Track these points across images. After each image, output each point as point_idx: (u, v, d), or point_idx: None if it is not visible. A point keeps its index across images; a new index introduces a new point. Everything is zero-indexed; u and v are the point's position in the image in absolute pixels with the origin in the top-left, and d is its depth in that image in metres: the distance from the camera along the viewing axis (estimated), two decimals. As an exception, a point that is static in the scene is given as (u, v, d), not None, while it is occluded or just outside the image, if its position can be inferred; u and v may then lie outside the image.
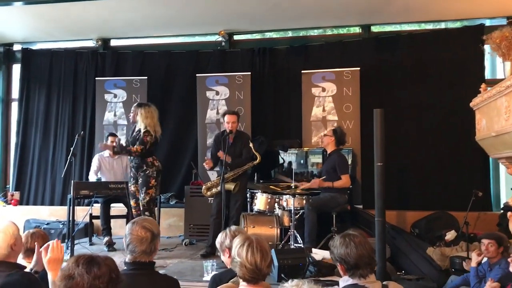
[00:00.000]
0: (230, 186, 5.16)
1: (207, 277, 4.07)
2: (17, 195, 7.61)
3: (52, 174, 7.80)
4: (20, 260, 2.81)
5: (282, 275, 4.01)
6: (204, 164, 5.51)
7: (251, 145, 5.37)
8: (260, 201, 5.34)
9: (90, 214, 6.29)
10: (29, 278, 2.42)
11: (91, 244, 6.15)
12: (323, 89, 6.97)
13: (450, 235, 5.56)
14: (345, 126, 6.82)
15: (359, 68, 6.86)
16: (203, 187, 5.44)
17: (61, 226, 6.87)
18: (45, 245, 2.51)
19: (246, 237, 2.31)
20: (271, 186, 5.72)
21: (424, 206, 6.53)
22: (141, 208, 5.19)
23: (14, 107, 8.26)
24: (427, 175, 6.79)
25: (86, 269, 1.67)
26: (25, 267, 2.56)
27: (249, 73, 7.16)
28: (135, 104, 5.52)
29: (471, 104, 4.82)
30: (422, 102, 6.88)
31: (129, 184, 5.37)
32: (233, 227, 3.05)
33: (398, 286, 2.31)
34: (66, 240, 5.57)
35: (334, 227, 5.31)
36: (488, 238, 4.04)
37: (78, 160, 7.70)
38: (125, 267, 2.43)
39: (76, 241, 6.30)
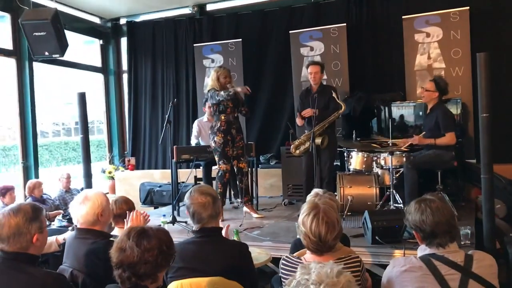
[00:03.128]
0: (318, 140, 4.99)
1: (300, 239, 4.02)
2: (133, 160, 8.22)
3: (163, 140, 8.24)
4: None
5: (377, 237, 3.82)
6: (296, 121, 5.36)
7: (334, 95, 5.08)
8: (356, 160, 5.10)
9: (195, 177, 6.59)
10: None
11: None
12: (428, 35, 6.36)
13: None
14: (454, 74, 6.21)
15: (468, 8, 6.11)
16: (292, 146, 5.33)
17: (173, 188, 7.27)
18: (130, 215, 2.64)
19: (313, 205, 2.18)
20: (371, 144, 5.41)
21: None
22: (246, 170, 5.30)
23: (125, 78, 8.80)
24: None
25: (136, 242, 1.70)
26: (110, 236, 2.70)
27: (344, 24, 6.76)
28: (226, 68, 5.45)
29: None
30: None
31: (227, 148, 5.20)
32: (319, 191, 2.94)
33: (485, 255, 2.03)
34: (173, 202, 5.87)
35: (439, 185, 4.91)
36: None
37: (184, 125, 8.09)
38: (193, 235, 2.46)
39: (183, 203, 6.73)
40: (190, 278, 2.32)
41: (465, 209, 5.25)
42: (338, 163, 6.16)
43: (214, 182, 6.23)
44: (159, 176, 7.84)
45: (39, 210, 2.07)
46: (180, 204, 6.01)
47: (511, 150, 6.13)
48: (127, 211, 2.90)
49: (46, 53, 6.50)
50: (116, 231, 3.14)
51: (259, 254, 3.31)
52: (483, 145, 3.83)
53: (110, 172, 8.30)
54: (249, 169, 5.81)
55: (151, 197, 7.36)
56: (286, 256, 2.24)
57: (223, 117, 5.14)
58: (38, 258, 2.06)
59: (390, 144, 4.79)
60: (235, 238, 3.21)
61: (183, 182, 7.33)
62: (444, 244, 1.99)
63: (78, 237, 2.61)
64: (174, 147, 5.74)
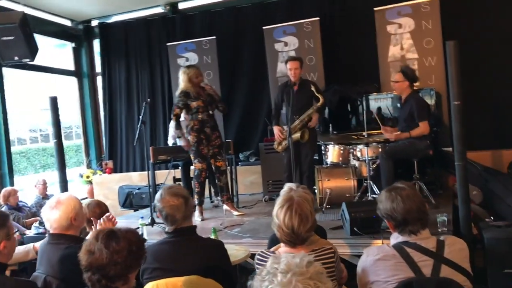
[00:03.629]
0: (297, 135, 4.99)
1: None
2: (110, 163, 8.12)
3: (139, 141, 8.16)
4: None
5: (355, 228, 3.83)
6: (276, 136, 5.30)
7: (313, 88, 5.07)
8: (332, 153, 5.12)
9: (174, 177, 6.55)
10: None
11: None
12: (400, 26, 6.40)
13: (554, 173, 4.95)
14: (427, 64, 6.28)
15: (438, -3, 6.18)
16: (275, 142, 5.32)
17: (151, 190, 7.20)
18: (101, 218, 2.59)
19: (287, 198, 2.17)
20: (347, 137, 5.42)
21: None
22: (224, 168, 5.25)
23: (100, 81, 8.68)
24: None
25: (105, 244, 1.66)
26: (83, 240, 2.65)
27: (317, 18, 6.77)
28: (195, 66, 5.42)
29: None
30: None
31: (202, 146, 5.18)
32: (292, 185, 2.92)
33: (456, 240, 2.04)
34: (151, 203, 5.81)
35: (416, 175, 4.95)
36: None
37: (161, 125, 8.02)
38: (166, 236, 2.43)
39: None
40: (166, 278, 2.29)
41: (442, 197, 5.32)
42: (317, 157, 6.17)
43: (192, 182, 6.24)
44: (138, 179, 7.77)
45: (6, 217, 2.02)
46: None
47: (485, 136, 6.22)
48: (100, 215, 2.86)
49: (16, 58, 6.34)
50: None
51: (237, 251, 3.30)
52: (456, 133, 3.88)
53: (88, 177, 8.19)
54: (229, 167, 5.79)
55: (130, 200, 7.27)
56: (261, 251, 2.22)
57: (196, 117, 5.10)
58: (5, 266, 2.00)
59: (366, 136, 4.79)
60: (213, 237, 3.18)
61: (162, 183, 7.30)
62: (416, 231, 1.99)
63: (51, 243, 2.56)
64: (150, 148, 5.70)
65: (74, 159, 15.40)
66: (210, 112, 5.16)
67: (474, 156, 5.83)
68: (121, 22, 8.36)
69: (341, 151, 5.08)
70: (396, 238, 2.06)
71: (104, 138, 8.54)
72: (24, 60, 6.43)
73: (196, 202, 5.30)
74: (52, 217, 2.54)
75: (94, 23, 8.54)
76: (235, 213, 5.24)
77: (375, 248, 2.07)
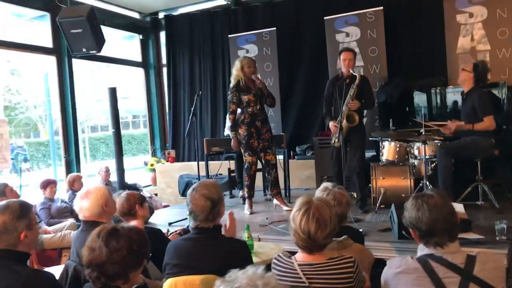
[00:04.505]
0: (345, 122, 4.79)
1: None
2: (173, 153, 8.32)
3: (201, 132, 8.30)
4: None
5: (403, 232, 3.61)
6: (332, 130, 5.09)
7: (364, 86, 4.90)
8: (388, 150, 4.86)
9: (228, 169, 6.59)
10: None
11: (231, 197, 6.41)
12: (471, 15, 5.96)
13: None
14: (501, 56, 5.79)
15: (515, -17, 5.66)
16: (332, 137, 5.11)
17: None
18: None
19: (306, 201, 2.06)
20: (406, 133, 5.13)
21: None
22: (275, 162, 5.17)
23: (165, 72, 8.89)
24: None
25: (105, 242, 1.65)
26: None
27: (381, 8, 6.45)
28: (251, 58, 5.36)
29: None
30: None
31: (252, 140, 5.10)
32: (328, 185, 2.80)
33: (492, 257, 1.83)
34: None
35: (479, 176, 4.59)
36: None
37: (221, 116, 8.08)
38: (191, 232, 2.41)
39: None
40: (185, 276, 2.28)
41: (511, 202, 4.89)
42: (375, 153, 5.93)
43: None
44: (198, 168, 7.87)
45: (28, 207, 2.08)
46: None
47: None
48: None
49: (84, 50, 6.66)
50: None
51: (271, 249, 3.22)
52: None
53: (152, 165, 8.46)
54: (281, 160, 5.70)
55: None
56: (278, 255, 2.13)
57: (246, 110, 5.05)
58: (27, 255, 2.07)
59: (423, 133, 4.49)
60: (246, 234, 3.13)
61: (220, 174, 7.38)
62: (442, 243, 1.81)
63: (84, 230, 2.63)
64: (204, 139, 5.74)
65: (143, 146, 16.03)
66: (261, 105, 5.09)
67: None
68: (186, 14, 8.49)
69: (397, 148, 4.81)
70: (422, 250, 1.89)
71: (168, 128, 8.75)
72: (91, 52, 6.72)
73: (246, 195, 5.29)
74: (84, 205, 2.61)
75: (161, 15, 8.74)
76: (285, 208, 5.15)
77: (398, 260, 1.91)
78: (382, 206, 4.86)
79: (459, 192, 4.63)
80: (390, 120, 5.61)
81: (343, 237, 2.57)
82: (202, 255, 2.30)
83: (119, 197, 3.19)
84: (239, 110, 5.17)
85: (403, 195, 4.75)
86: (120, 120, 5.80)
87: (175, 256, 2.36)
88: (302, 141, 7.22)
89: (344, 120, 4.82)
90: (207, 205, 2.34)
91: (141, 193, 7.40)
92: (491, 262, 1.79)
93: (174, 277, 2.30)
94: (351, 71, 4.88)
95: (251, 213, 5.17)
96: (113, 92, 5.38)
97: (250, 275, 1.23)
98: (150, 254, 1.84)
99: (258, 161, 5.32)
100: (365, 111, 5.51)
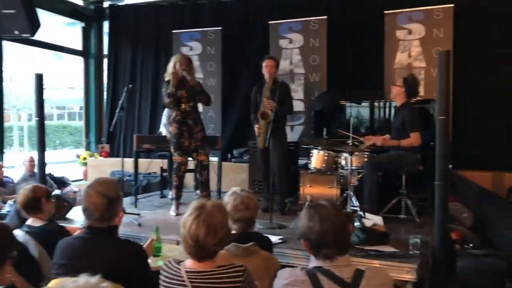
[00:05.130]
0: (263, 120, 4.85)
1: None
2: (107, 147, 8.03)
3: (139, 128, 8.07)
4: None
5: (321, 241, 3.59)
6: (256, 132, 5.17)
7: (284, 93, 5.00)
8: (317, 158, 4.85)
9: (161, 168, 6.41)
10: None
11: (162, 197, 6.23)
12: (409, 32, 6.09)
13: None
14: (434, 74, 5.91)
15: (452, 5, 5.82)
16: (258, 139, 5.11)
17: (141, 178, 7.09)
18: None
19: (199, 205, 1.95)
20: (337, 142, 5.16)
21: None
22: (207, 162, 5.05)
23: (106, 63, 8.59)
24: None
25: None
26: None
27: (325, 16, 6.49)
28: (185, 55, 5.25)
29: None
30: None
31: (183, 139, 4.96)
32: (237, 189, 2.72)
33: (378, 273, 1.80)
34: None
35: (403, 190, 4.66)
36: None
37: (161, 112, 7.87)
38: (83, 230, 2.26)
39: (150, 194, 6.55)
40: (71, 277, 2.12)
41: (432, 216, 4.99)
42: (308, 161, 5.93)
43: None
44: (131, 165, 7.63)
45: None
46: (140, 196, 5.88)
47: (488, 156, 5.84)
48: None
49: (16, 32, 6.31)
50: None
51: (181, 253, 3.08)
52: (439, 150, 3.57)
53: (84, 158, 8.13)
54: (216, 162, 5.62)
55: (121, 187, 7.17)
56: (168, 261, 2.02)
57: (178, 108, 4.92)
58: None
59: (351, 144, 4.51)
60: (154, 236, 2.99)
61: (154, 173, 7.18)
62: (331, 256, 1.76)
63: None
64: (134, 135, 5.55)
65: (79, 139, 15.47)
66: (193, 104, 4.97)
67: (473, 176, 5.51)
68: (132, 5, 8.24)
69: (325, 157, 4.81)
70: (312, 261, 1.83)
71: (104, 121, 8.45)
72: (24, 35, 6.39)
73: (173, 196, 5.14)
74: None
75: (106, 4, 8.45)
76: None
77: (287, 271, 1.85)
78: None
79: (386, 204, 4.70)
80: (324, 129, 5.63)
81: (249, 243, 2.49)
82: (91, 256, 2.15)
83: (24, 189, 2.99)
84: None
85: (329, 204, 4.76)
86: (61, 111, 5.51)
87: (63, 256, 2.19)
88: (241, 145, 7.14)
89: (261, 119, 4.85)
90: (102, 203, 2.19)
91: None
92: (378, 278, 1.75)
93: (61, 277, 2.14)
94: (274, 78, 5.04)
95: (177, 214, 5.02)
96: (39, 79, 5.08)
97: (80, 285, 1.12)
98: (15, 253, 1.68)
99: (193, 160, 5.19)
100: (288, 117, 5.60)
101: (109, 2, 8.36)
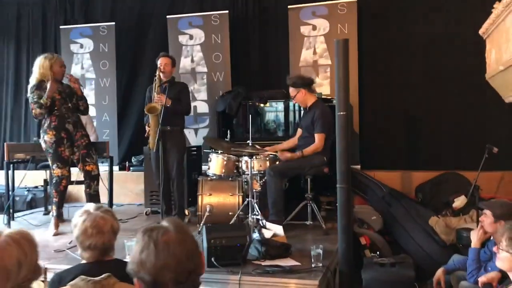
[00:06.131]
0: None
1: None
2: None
3: (26, 133, 7.17)
4: None
5: (213, 259, 3.10)
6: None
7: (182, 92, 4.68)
8: (216, 163, 4.35)
9: (45, 180, 5.64)
10: None
11: (46, 213, 5.45)
12: (314, 27, 5.80)
13: (459, 201, 4.47)
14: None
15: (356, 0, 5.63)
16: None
17: (25, 192, 6.22)
18: None
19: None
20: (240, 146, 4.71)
21: (435, 166, 5.38)
22: (96, 172, 4.40)
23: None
24: (437, 126, 5.59)
25: None
26: None
27: (227, 11, 6.06)
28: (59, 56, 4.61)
29: (480, 32, 3.65)
30: (430, 36, 5.58)
31: (62, 148, 4.27)
32: (90, 206, 2.16)
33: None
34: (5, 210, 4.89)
35: (308, 194, 4.30)
36: (487, 207, 2.98)
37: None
38: None
39: (33, 211, 5.74)
40: None
41: (340, 221, 4.70)
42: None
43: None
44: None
45: None
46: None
47: (396, 154, 5.71)
48: None
49: None
50: None
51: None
52: (339, 149, 3.25)
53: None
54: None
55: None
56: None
57: (52, 112, 4.24)
58: None
59: (250, 146, 4.05)
60: None
61: (36, 187, 6.32)
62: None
63: None
64: (5, 144, 4.76)
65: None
66: (70, 105, 4.29)
67: (383, 177, 5.32)
68: (13, 1, 7.30)
69: (225, 162, 4.33)
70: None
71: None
72: None
73: (54, 213, 4.44)
74: None
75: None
76: None
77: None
78: (209, 225, 4.36)
79: (292, 209, 4.33)
80: (228, 132, 5.16)
81: (103, 275, 1.94)
82: None
83: None
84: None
85: (230, 213, 4.30)
86: None
87: None
88: (140, 151, 6.49)
89: (148, 113, 4.41)
90: None
91: None
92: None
93: None
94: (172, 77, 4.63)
95: (55, 234, 4.32)
96: None
97: None
98: None
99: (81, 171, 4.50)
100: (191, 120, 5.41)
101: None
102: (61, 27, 6.73)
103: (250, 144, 4.05)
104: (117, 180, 6.16)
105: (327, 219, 4.43)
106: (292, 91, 4.41)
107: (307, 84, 4.36)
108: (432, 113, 5.59)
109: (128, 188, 6.18)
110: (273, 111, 5.63)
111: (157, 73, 4.55)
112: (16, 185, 5.06)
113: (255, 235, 3.47)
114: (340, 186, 3.24)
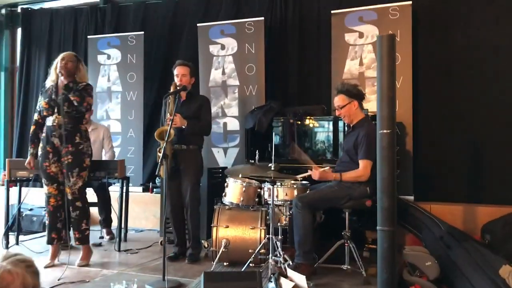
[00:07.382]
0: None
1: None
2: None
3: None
4: None
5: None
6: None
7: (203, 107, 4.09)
8: (233, 190, 3.65)
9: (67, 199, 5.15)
10: None
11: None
12: (361, 35, 5.04)
13: (541, 249, 3.51)
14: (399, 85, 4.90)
15: (410, 2, 4.82)
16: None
17: (43, 212, 5.77)
18: None
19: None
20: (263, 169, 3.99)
21: (507, 200, 4.42)
22: (71, 197, 3.76)
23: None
24: (510, 152, 4.63)
25: None
26: None
27: (262, 18, 5.41)
28: (72, 54, 4.05)
29: None
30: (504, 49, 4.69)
31: (46, 162, 3.76)
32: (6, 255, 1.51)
33: None
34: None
35: (346, 232, 3.50)
36: None
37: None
38: None
39: (43, 235, 5.26)
40: None
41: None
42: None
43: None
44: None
45: None
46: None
47: (457, 186, 4.78)
48: None
49: None
50: None
51: None
52: (381, 179, 2.46)
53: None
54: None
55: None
56: None
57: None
58: None
59: (272, 170, 3.30)
60: None
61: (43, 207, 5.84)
62: None
63: None
64: (7, 160, 4.30)
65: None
66: (60, 116, 3.71)
67: (441, 211, 4.42)
68: (47, 10, 7.06)
69: (243, 189, 3.62)
70: None
71: (15, 140, 7.16)
72: None
73: (46, 239, 3.90)
74: None
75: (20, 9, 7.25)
76: (80, 262, 3.79)
77: None
78: (225, 264, 3.67)
79: (329, 247, 3.55)
80: (256, 152, 4.46)
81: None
82: None
83: None
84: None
85: (250, 251, 3.56)
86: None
87: None
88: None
89: (160, 141, 3.75)
90: None
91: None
92: None
93: None
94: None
95: (48, 266, 3.74)
96: None
97: None
98: None
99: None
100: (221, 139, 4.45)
101: (22, 6, 7.16)
102: (88, 36, 6.35)
103: (272, 167, 3.27)
104: (139, 202, 5.66)
105: (371, 262, 3.59)
106: (342, 99, 3.58)
107: (361, 97, 3.58)
108: (504, 137, 4.64)
109: (151, 211, 5.62)
110: (316, 129, 4.85)
111: (172, 86, 3.95)
112: (22, 203, 4.59)
113: (271, 286, 2.72)
114: (381, 229, 2.44)
